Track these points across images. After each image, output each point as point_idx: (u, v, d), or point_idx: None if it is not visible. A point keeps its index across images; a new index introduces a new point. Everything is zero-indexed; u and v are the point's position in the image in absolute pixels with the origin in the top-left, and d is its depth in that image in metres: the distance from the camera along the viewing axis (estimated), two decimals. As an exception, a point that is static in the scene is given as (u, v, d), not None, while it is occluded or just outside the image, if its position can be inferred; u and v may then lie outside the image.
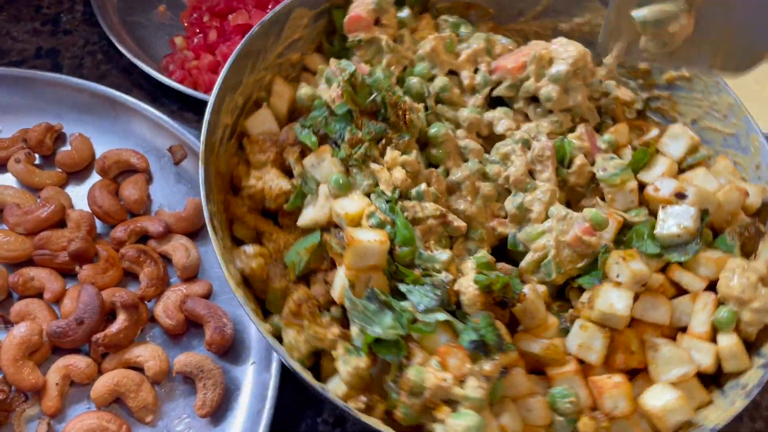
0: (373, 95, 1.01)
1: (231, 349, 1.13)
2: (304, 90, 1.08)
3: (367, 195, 0.97)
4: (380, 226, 0.93)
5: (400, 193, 0.98)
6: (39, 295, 1.14)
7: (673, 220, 1.00)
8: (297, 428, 1.13)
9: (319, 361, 0.97)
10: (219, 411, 1.08)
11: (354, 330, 0.91)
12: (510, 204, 1.06)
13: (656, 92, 1.24)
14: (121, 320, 1.09)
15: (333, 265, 0.97)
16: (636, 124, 1.21)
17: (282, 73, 1.13)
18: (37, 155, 1.29)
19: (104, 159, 1.26)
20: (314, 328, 0.92)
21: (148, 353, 1.09)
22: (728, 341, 0.97)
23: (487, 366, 0.88)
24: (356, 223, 0.94)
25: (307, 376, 0.90)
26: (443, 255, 0.94)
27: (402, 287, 0.92)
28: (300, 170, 1.02)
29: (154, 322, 1.15)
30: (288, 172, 1.05)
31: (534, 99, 1.14)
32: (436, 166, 1.06)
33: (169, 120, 1.32)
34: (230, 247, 1.00)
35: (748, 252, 1.06)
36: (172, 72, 1.44)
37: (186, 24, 1.55)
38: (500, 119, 1.12)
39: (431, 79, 1.13)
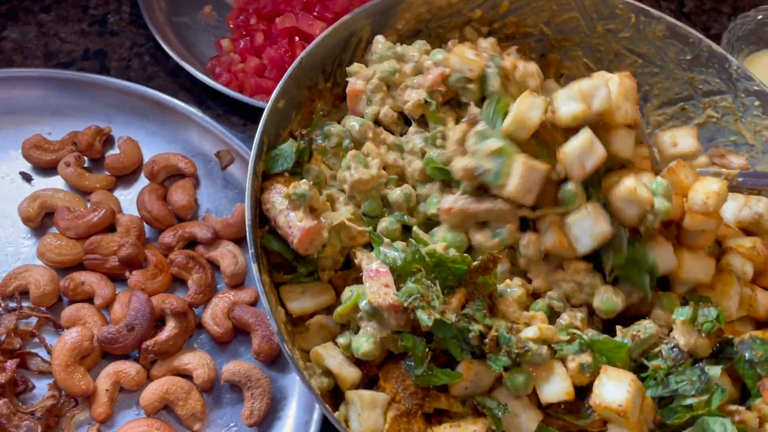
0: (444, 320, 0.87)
1: (278, 358, 1.13)
2: (367, 344, 0.91)
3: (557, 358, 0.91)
4: (592, 369, 0.89)
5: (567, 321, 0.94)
6: (89, 299, 1.14)
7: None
8: (343, 439, 1.12)
9: None
10: (266, 420, 1.07)
11: None
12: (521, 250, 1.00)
13: (497, 24, 1.23)
14: (170, 327, 1.09)
15: None
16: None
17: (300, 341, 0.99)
18: (86, 158, 1.29)
19: (153, 163, 1.26)
20: None
21: (197, 361, 1.09)
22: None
23: None
24: (573, 395, 0.88)
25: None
26: (650, 328, 0.93)
27: (664, 392, 0.90)
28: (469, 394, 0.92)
29: (201, 329, 1.15)
30: None
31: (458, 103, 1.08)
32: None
33: (216, 124, 1.31)
34: None
35: None
36: (218, 75, 1.44)
37: (232, 26, 1.54)
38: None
39: (383, 199, 1.02)
